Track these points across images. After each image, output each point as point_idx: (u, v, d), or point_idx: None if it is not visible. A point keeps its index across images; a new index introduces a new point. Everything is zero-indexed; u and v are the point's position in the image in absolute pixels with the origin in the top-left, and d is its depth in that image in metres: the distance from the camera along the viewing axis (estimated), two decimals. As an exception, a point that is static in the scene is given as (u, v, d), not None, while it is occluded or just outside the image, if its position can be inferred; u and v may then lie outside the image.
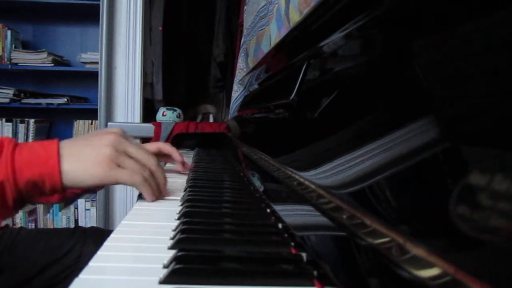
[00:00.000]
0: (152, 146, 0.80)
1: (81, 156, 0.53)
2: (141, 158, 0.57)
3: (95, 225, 2.14)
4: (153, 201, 0.57)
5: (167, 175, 0.62)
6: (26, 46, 2.55)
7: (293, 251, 0.38)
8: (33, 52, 2.38)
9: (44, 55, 2.36)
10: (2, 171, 0.49)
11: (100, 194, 2.00)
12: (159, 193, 0.58)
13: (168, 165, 0.93)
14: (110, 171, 0.52)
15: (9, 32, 2.37)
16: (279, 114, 0.75)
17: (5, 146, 0.51)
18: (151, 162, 0.57)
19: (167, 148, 0.81)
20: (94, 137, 0.55)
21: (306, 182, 0.42)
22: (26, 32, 2.58)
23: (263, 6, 1.32)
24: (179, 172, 0.84)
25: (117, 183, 0.54)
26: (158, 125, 2.02)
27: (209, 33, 2.49)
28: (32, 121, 2.41)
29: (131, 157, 0.56)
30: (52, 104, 2.36)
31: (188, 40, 2.44)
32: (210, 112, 2.63)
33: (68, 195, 0.86)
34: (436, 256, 0.20)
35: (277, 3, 1.12)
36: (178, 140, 1.42)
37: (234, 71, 1.90)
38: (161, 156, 0.82)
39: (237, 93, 1.67)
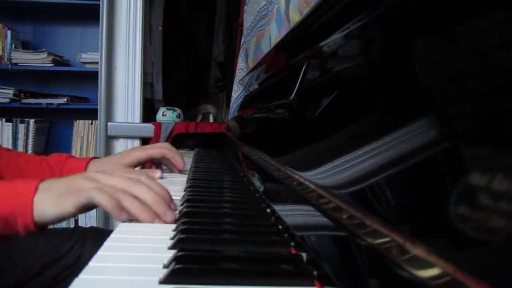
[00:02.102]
0: (156, 152, 0.80)
1: (53, 189, 0.51)
2: (114, 184, 0.49)
3: (95, 225, 2.14)
4: (124, 219, 0.47)
5: (168, 174, 0.61)
6: (26, 46, 2.55)
7: (293, 251, 0.38)
8: (33, 52, 2.38)
9: (44, 55, 2.35)
10: None
11: (100, 194, 2.00)
12: (149, 213, 0.47)
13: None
14: (68, 198, 0.49)
15: (9, 32, 2.37)
16: (279, 114, 0.75)
17: None
18: (125, 182, 0.50)
19: (170, 154, 0.81)
20: (78, 174, 0.54)
21: (306, 182, 0.42)
22: (26, 32, 2.57)
23: (263, 6, 1.32)
24: (180, 172, 0.84)
25: (77, 208, 0.49)
26: (158, 125, 2.02)
27: (209, 33, 2.49)
28: (32, 121, 2.41)
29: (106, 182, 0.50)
30: (52, 104, 2.36)
31: (188, 40, 2.44)
32: (210, 112, 2.63)
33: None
34: (436, 256, 0.20)
35: (277, 3, 1.12)
36: (178, 140, 1.42)
37: (234, 71, 1.90)
38: (166, 161, 0.83)
39: (237, 93, 1.67)
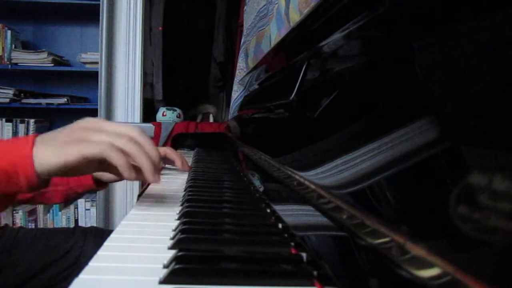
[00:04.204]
0: (159, 150, 0.81)
1: (52, 140, 0.50)
2: (117, 130, 0.50)
3: (95, 225, 2.14)
4: (133, 179, 0.49)
5: (168, 173, 0.61)
6: (26, 46, 2.55)
7: (293, 251, 0.38)
8: (33, 52, 2.38)
9: (44, 55, 2.35)
10: None
11: (100, 194, 2.00)
12: (148, 169, 0.49)
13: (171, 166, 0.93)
14: (73, 147, 0.48)
15: (9, 32, 2.37)
16: (279, 114, 0.75)
17: None
18: (129, 131, 0.50)
19: (172, 155, 0.83)
20: (72, 124, 0.52)
21: (306, 182, 0.42)
22: (26, 32, 2.57)
23: (263, 6, 1.32)
24: (180, 171, 0.85)
25: (84, 158, 0.48)
26: (158, 125, 2.02)
27: (209, 33, 2.49)
28: (32, 121, 2.41)
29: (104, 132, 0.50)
30: (52, 104, 2.36)
31: (188, 40, 2.44)
32: (210, 112, 2.63)
33: (69, 195, 0.87)
34: (436, 256, 0.20)
35: (277, 3, 1.12)
36: (178, 140, 1.42)
37: (234, 71, 1.90)
38: (168, 161, 0.84)
39: (237, 93, 1.67)
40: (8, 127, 2.40)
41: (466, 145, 0.22)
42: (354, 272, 0.28)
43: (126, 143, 0.49)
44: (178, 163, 0.83)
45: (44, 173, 0.49)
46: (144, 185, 0.77)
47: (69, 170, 0.49)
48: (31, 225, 2.30)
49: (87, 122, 0.51)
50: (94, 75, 2.11)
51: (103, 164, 0.50)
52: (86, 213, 2.35)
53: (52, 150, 0.48)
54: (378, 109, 0.37)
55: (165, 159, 0.83)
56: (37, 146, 0.49)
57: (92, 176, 0.83)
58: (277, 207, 0.49)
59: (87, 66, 2.40)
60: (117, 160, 0.48)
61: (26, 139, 0.49)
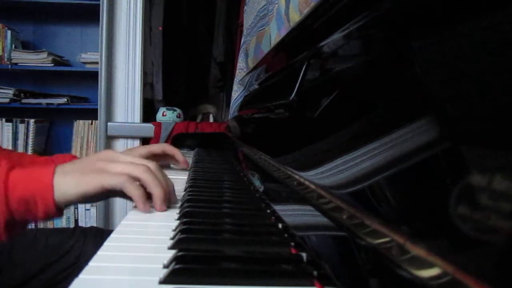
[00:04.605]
0: (157, 147, 0.81)
1: (72, 171, 0.53)
2: (134, 161, 0.54)
3: (95, 225, 2.14)
4: (146, 210, 0.51)
5: (168, 174, 0.61)
6: (26, 46, 2.55)
7: (293, 251, 0.38)
8: (33, 52, 2.38)
9: (44, 55, 2.35)
10: None
11: (100, 194, 2.00)
12: (159, 197, 0.52)
13: (172, 166, 0.93)
14: (93, 178, 0.51)
15: (9, 32, 2.37)
16: (279, 114, 0.75)
17: (1, 166, 0.51)
18: (143, 163, 0.54)
19: (170, 149, 0.83)
20: (89, 156, 0.57)
21: (306, 182, 0.42)
22: (26, 32, 2.57)
23: (263, 6, 1.32)
24: (182, 169, 0.85)
25: (103, 188, 0.51)
26: (158, 125, 2.02)
27: (209, 33, 2.49)
28: (32, 121, 2.41)
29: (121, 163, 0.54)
30: (52, 104, 2.36)
31: (188, 40, 2.44)
32: (210, 112, 2.63)
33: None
34: (436, 256, 0.20)
35: (277, 3, 1.12)
36: (178, 140, 1.42)
37: (234, 71, 1.90)
38: (167, 157, 0.84)
39: (237, 93, 1.67)
40: (8, 127, 2.39)
41: (466, 145, 0.22)
42: (354, 272, 0.28)
43: (142, 173, 0.52)
44: (179, 157, 0.82)
45: (62, 203, 0.51)
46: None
47: (87, 200, 0.52)
48: (31, 225, 2.30)
49: (105, 154, 0.56)
50: (94, 75, 2.11)
51: (117, 192, 0.53)
52: (86, 213, 2.35)
53: (72, 180, 0.51)
54: (378, 109, 0.37)
55: (165, 156, 0.83)
56: (58, 175, 0.51)
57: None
58: (277, 207, 0.49)
59: (87, 66, 2.40)
60: (133, 191, 0.51)
61: (47, 169, 0.52)
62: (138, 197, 0.51)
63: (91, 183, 0.50)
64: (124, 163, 0.53)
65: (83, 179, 0.51)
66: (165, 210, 0.53)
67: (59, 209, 0.52)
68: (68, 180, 0.51)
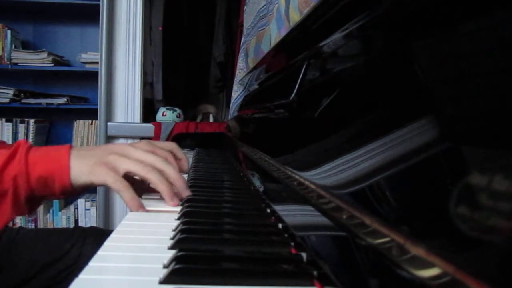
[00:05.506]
0: (167, 145, 0.80)
1: (86, 157, 0.56)
2: (143, 159, 0.55)
3: (95, 225, 2.14)
4: (137, 209, 0.53)
5: None
6: (26, 46, 2.55)
7: (293, 251, 0.38)
8: (33, 52, 2.38)
9: (44, 55, 2.35)
10: (16, 167, 0.54)
11: (100, 194, 2.00)
12: (166, 194, 0.54)
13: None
14: (102, 172, 0.54)
15: (9, 32, 2.37)
16: (279, 114, 0.75)
17: (20, 146, 0.56)
18: (153, 159, 0.56)
19: (179, 153, 0.82)
20: (105, 145, 0.61)
21: (306, 182, 0.42)
22: (26, 32, 2.57)
23: (263, 6, 1.32)
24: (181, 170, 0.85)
25: (106, 185, 0.54)
26: (158, 125, 2.01)
27: (209, 33, 2.49)
28: (32, 121, 2.41)
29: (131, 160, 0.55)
30: (52, 104, 2.36)
31: (188, 40, 2.44)
32: (210, 112, 2.63)
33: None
34: (436, 256, 0.20)
35: (277, 3, 1.12)
36: (178, 140, 1.42)
37: (234, 71, 1.90)
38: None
39: (237, 93, 1.67)
40: (8, 127, 2.39)
41: (466, 145, 0.22)
42: (354, 272, 0.28)
43: (148, 172, 0.54)
44: (184, 162, 0.82)
45: (75, 185, 0.55)
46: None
47: (91, 187, 0.58)
48: (31, 225, 2.30)
49: (118, 148, 0.58)
50: (94, 75, 2.10)
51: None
52: (86, 213, 2.35)
53: (86, 168, 0.55)
54: (378, 109, 0.37)
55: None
56: (73, 159, 0.56)
57: None
58: (277, 207, 0.49)
59: (87, 66, 2.40)
60: (125, 196, 0.53)
61: (63, 150, 0.56)
62: (129, 201, 0.53)
63: (99, 176, 0.54)
64: (135, 162, 0.55)
65: (95, 169, 0.54)
66: (177, 205, 0.54)
67: (75, 189, 0.56)
68: (82, 166, 0.55)
